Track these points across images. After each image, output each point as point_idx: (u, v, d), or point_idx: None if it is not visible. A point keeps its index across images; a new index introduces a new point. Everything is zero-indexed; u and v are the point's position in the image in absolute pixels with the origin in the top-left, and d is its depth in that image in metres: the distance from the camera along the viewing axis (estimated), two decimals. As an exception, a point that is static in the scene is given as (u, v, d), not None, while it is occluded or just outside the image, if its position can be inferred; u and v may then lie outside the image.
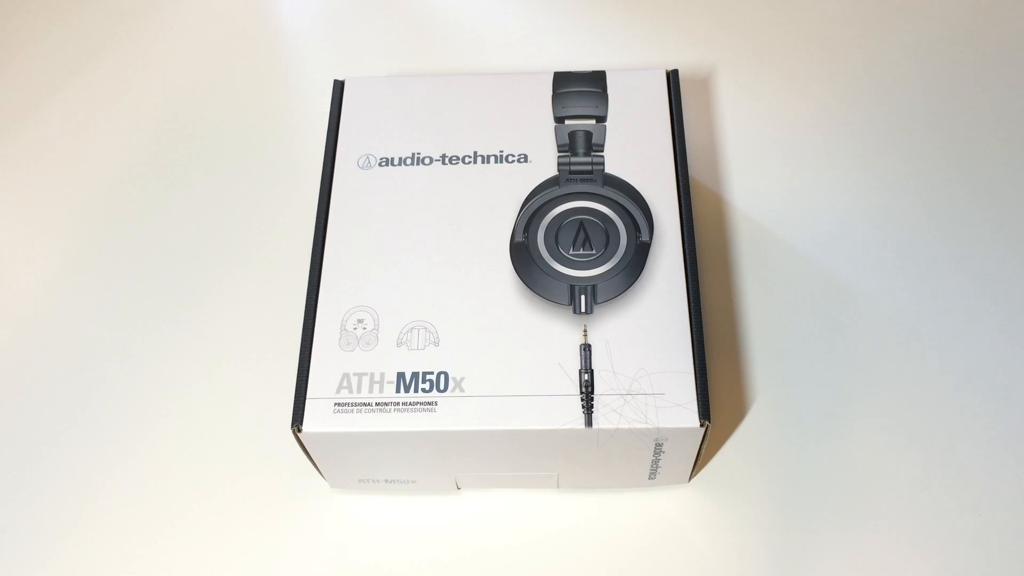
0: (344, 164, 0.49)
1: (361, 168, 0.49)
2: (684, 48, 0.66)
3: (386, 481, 0.46)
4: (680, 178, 0.48)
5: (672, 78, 0.51)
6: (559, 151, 0.49)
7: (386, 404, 0.41)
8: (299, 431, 0.41)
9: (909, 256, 0.56)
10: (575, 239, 0.46)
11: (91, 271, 0.59)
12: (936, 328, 0.53)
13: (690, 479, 0.46)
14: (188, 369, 0.55)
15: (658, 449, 0.42)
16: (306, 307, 0.45)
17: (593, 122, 0.50)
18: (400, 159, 0.49)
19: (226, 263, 0.59)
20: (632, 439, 0.41)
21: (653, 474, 0.45)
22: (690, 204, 0.47)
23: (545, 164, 0.49)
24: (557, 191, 0.48)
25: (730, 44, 0.67)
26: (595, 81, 0.52)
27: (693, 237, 0.46)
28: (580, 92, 0.51)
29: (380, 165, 0.49)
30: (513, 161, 0.49)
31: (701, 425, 0.40)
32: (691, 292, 0.44)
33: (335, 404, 0.42)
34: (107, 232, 0.61)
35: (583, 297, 0.44)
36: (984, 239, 0.57)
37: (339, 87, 0.52)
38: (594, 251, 0.46)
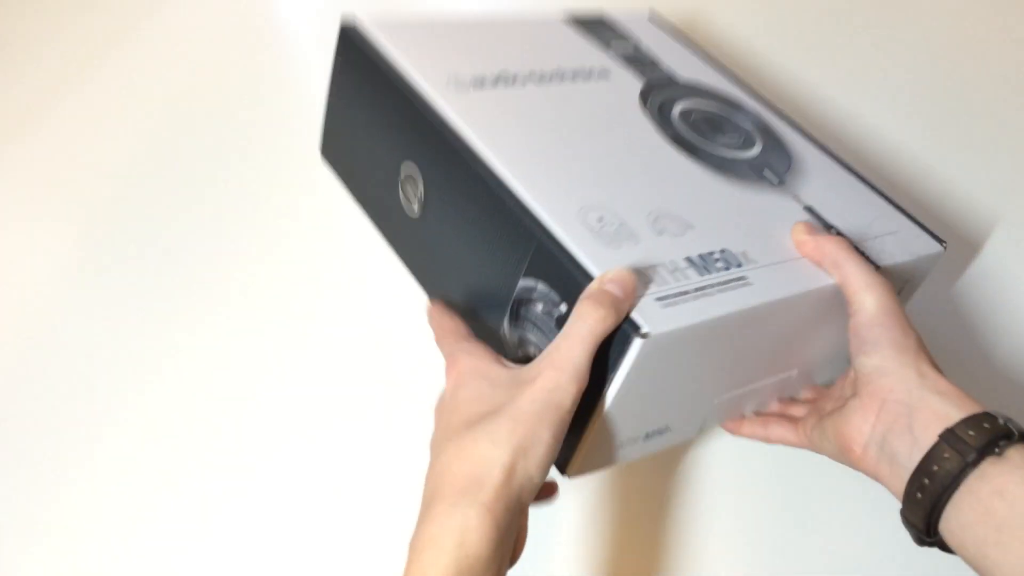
0: (436, 88, 0.47)
1: (459, 90, 0.47)
2: None
3: (645, 437, 0.44)
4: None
5: None
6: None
7: (705, 287, 0.40)
8: (644, 335, 0.38)
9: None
10: (718, 131, 0.50)
11: (96, 267, 0.60)
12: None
13: None
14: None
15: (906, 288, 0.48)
16: (511, 221, 0.42)
17: None
18: (492, 78, 0.48)
19: (227, 260, 0.60)
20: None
21: None
22: None
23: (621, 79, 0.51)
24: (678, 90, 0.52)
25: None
26: None
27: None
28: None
29: (475, 87, 0.48)
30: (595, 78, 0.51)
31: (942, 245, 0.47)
32: (838, 159, 0.50)
33: (655, 299, 0.39)
34: (111, 228, 0.61)
35: (768, 171, 0.48)
36: None
37: (351, 31, 0.50)
38: (738, 138, 0.50)
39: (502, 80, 0.48)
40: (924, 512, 0.39)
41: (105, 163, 0.64)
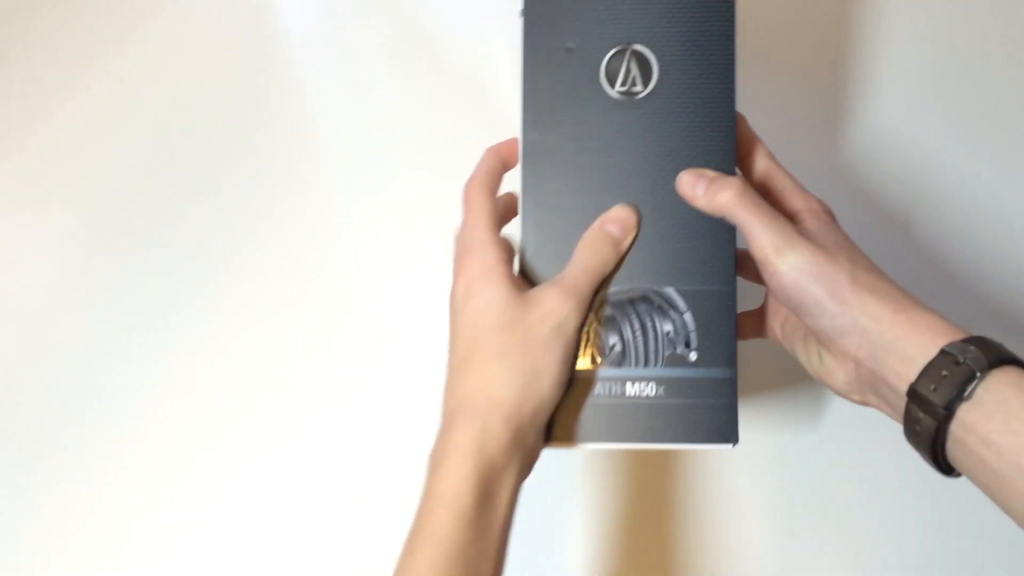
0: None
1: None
2: None
3: None
4: None
5: None
6: None
7: None
8: None
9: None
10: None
11: (95, 267, 0.59)
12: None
13: None
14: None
15: None
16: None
17: None
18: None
19: (229, 260, 0.59)
20: None
21: None
22: None
23: None
24: None
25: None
26: None
27: None
28: None
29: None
30: None
31: None
32: None
33: None
34: (113, 228, 0.61)
35: None
36: None
37: None
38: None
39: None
40: (930, 458, 0.38)
41: (105, 163, 0.63)
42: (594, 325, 0.44)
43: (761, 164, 0.46)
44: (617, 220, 0.44)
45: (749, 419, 0.56)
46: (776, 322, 0.47)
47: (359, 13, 0.69)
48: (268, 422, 0.55)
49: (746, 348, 0.51)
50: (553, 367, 0.40)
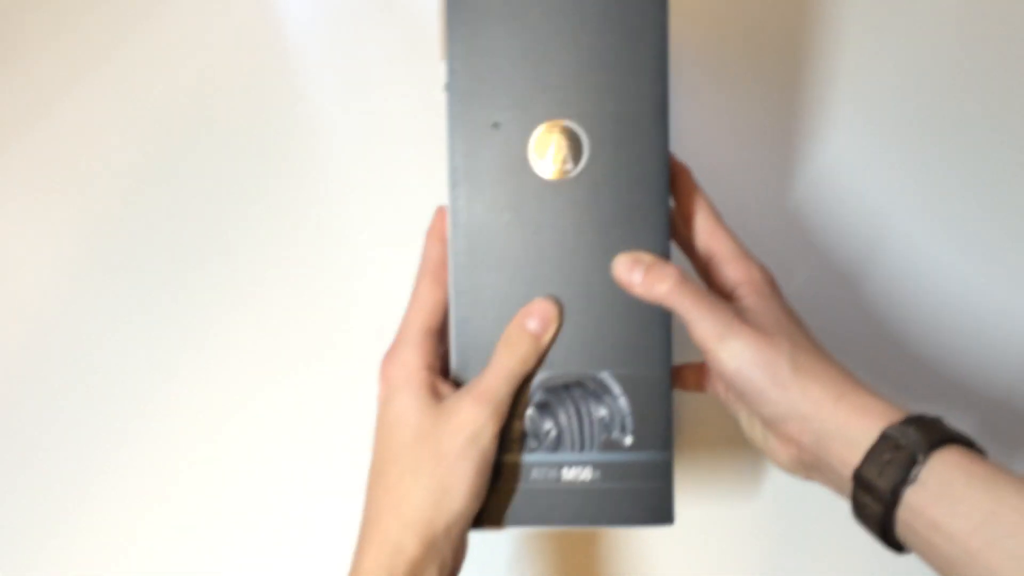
0: None
1: None
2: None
3: None
4: None
5: None
6: None
7: None
8: None
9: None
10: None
11: (96, 267, 0.59)
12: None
13: None
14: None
15: None
16: None
17: None
18: None
19: (230, 261, 0.59)
20: None
21: None
22: None
23: None
24: None
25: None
26: None
27: None
28: None
29: None
30: None
31: None
32: None
33: None
34: (114, 229, 0.60)
35: None
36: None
37: None
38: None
39: None
40: (881, 539, 0.38)
41: (106, 162, 0.62)
42: (528, 411, 0.43)
43: (703, 224, 0.45)
44: (536, 314, 0.43)
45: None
46: (720, 383, 0.46)
47: (361, 13, 0.66)
48: (270, 422, 0.56)
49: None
50: (465, 482, 0.40)
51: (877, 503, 0.36)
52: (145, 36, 0.65)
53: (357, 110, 0.62)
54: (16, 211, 0.61)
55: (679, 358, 0.47)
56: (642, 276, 0.41)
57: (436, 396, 0.41)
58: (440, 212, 0.45)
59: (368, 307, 0.58)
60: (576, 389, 0.43)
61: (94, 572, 0.52)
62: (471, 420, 0.40)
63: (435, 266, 0.44)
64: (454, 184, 0.43)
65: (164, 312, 0.58)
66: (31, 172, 0.62)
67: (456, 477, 0.39)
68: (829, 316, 0.55)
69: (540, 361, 0.43)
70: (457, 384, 0.43)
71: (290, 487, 0.55)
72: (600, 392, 0.43)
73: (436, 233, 0.44)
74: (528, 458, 0.43)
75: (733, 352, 0.39)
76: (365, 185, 0.60)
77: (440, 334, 0.44)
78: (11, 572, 0.52)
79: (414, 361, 0.42)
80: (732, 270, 0.44)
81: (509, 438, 0.43)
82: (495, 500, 0.43)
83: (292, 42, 0.66)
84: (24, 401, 0.56)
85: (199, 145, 0.62)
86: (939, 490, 0.35)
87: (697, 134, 0.58)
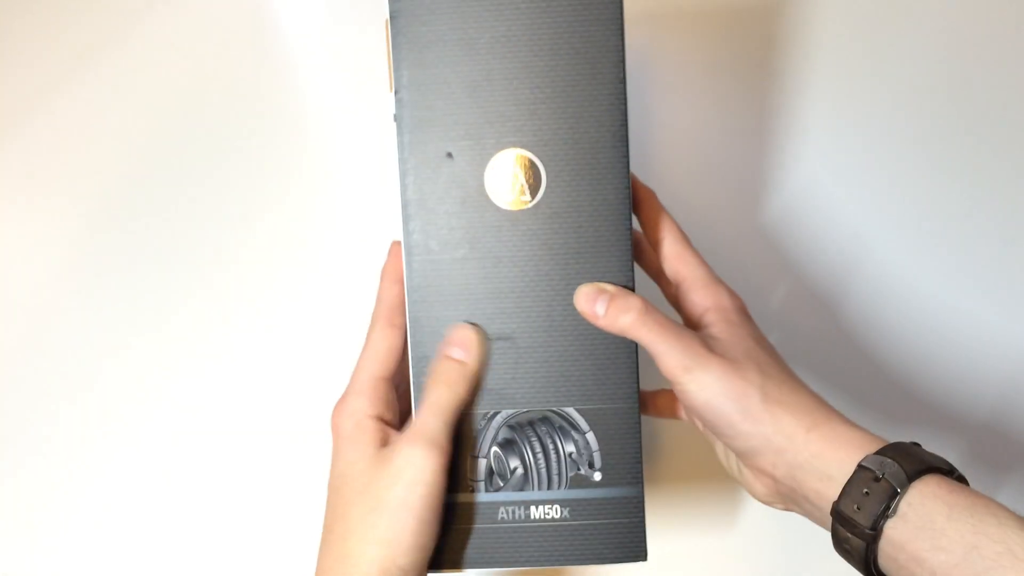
0: None
1: None
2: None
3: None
4: None
5: None
6: None
7: None
8: None
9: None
10: None
11: (92, 266, 0.58)
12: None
13: None
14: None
15: None
16: None
17: None
18: None
19: (227, 260, 0.59)
20: None
21: None
22: None
23: None
24: None
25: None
26: None
27: None
28: None
29: None
30: None
31: None
32: None
33: None
34: (110, 227, 0.60)
35: None
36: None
37: None
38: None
39: None
40: (864, 573, 0.37)
41: (103, 162, 0.61)
42: (493, 448, 0.42)
43: (670, 249, 0.44)
44: (455, 342, 0.41)
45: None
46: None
47: (358, 12, 0.66)
48: (270, 422, 0.55)
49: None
50: (407, 533, 0.38)
51: (858, 538, 0.35)
52: (139, 36, 0.64)
53: (354, 110, 0.61)
54: (9, 209, 0.60)
55: (652, 384, 0.46)
56: (605, 307, 0.40)
57: (384, 446, 0.40)
58: (395, 248, 0.44)
59: (368, 307, 0.58)
60: (542, 425, 0.42)
61: (93, 571, 0.51)
62: (407, 464, 0.39)
63: (388, 310, 0.42)
64: (407, 218, 0.42)
65: (160, 312, 0.57)
66: (24, 171, 0.61)
67: (400, 527, 0.38)
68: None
69: (475, 389, 0.42)
70: None
71: (290, 487, 0.54)
72: (567, 427, 0.42)
73: (390, 273, 0.43)
74: (494, 497, 0.42)
75: (702, 384, 0.38)
76: (365, 185, 0.59)
77: (392, 381, 0.42)
78: (10, 572, 0.52)
79: (363, 410, 0.40)
80: (700, 296, 0.43)
81: (467, 476, 0.42)
82: (453, 540, 0.42)
83: (287, 42, 0.65)
84: (22, 400, 0.55)
85: (193, 144, 0.61)
86: (920, 523, 0.34)
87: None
